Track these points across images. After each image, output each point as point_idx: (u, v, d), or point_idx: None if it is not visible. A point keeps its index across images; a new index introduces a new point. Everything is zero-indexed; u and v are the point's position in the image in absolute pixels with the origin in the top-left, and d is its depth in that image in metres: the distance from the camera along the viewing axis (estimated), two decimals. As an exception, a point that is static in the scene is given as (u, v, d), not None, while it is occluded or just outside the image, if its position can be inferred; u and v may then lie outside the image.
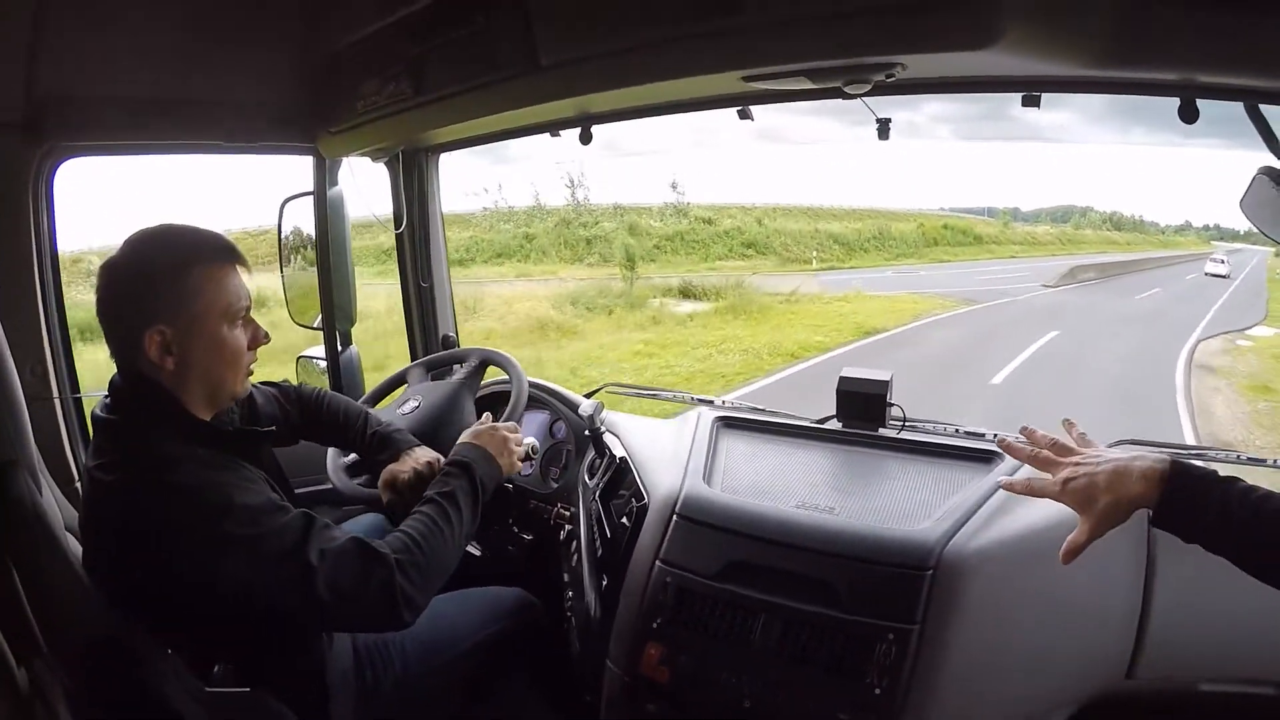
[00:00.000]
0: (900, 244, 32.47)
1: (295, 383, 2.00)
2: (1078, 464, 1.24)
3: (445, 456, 1.77)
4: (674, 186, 25.77)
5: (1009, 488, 1.35)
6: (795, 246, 27.95)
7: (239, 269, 1.50)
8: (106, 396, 1.49)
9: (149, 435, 1.41)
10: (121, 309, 1.43)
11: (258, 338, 1.54)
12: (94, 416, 1.50)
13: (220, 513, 1.35)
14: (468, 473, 1.65)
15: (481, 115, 2.05)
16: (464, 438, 1.76)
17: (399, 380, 2.46)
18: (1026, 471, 1.57)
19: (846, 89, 1.58)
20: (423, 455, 1.88)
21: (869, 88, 1.57)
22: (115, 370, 1.48)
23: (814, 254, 27.77)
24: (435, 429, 2.09)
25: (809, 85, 1.55)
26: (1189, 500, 1.15)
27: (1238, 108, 1.45)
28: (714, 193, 34.05)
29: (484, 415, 1.92)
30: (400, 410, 2.17)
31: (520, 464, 1.81)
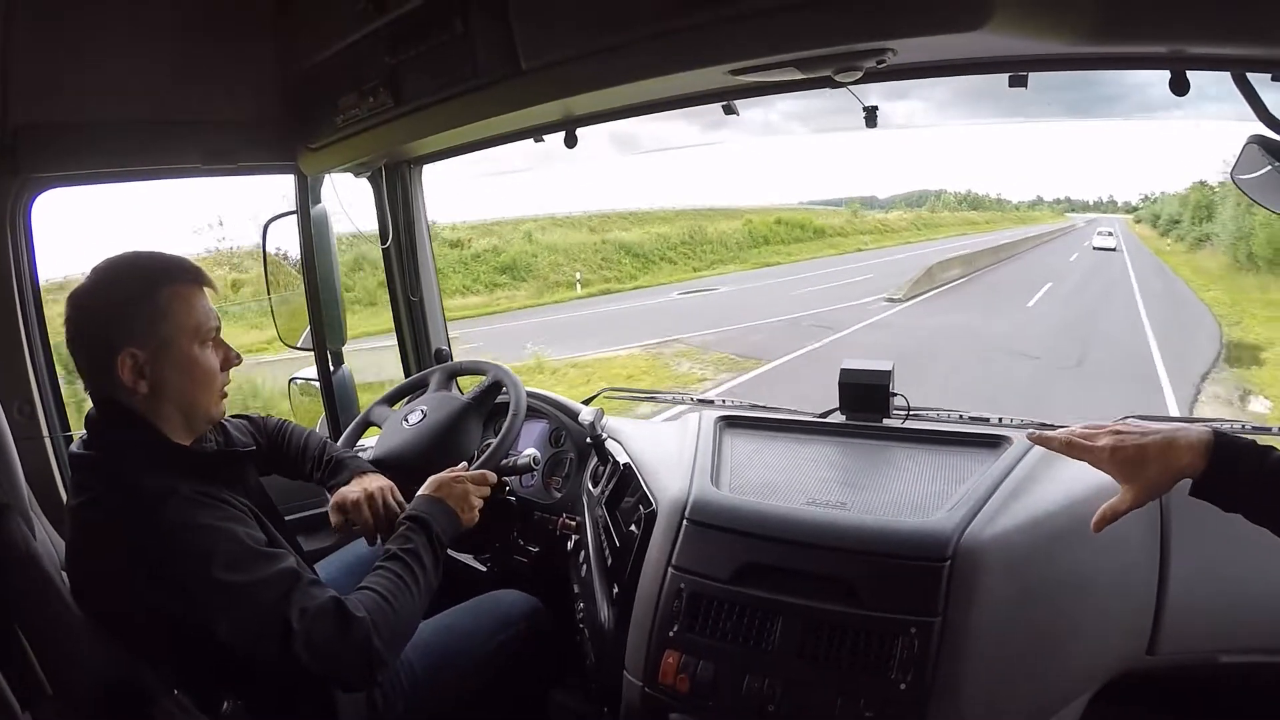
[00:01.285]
0: (719, 247, 30.27)
1: (290, 405, 1.99)
2: (1121, 433, 1.24)
3: (441, 472, 1.76)
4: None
5: (1043, 442, 1.34)
6: (568, 265, 24.22)
7: (206, 290, 1.52)
8: (83, 433, 1.48)
9: (129, 468, 1.40)
10: (91, 335, 1.43)
11: (229, 359, 1.55)
12: (71, 455, 1.49)
13: (207, 558, 1.33)
14: (426, 530, 1.62)
15: (464, 123, 2.02)
16: (426, 488, 1.72)
17: (420, 383, 2.43)
18: (1039, 452, 1.63)
19: (836, 77, 1.57)
20: (373, 481, 1.84)
21: (859, 75, 1.56)
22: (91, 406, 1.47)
23: (578, 275, 23.80)
24: (439, 443, 2.06)
25: (798, 75, 1.55)
26: (1232, 470, 1.16)
27: (1078, 78, 1.64)
28: (502, 207, 29.24)
29: (485, 442, 1.89)
30: (406, 420, 2.14)
31: (477, 515, 1.75)
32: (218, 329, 1.53)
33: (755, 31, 1.40)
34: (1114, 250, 35.79)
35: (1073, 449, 1.29)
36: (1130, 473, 1.22)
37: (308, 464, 1.94)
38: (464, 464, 1.87)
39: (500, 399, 2.43)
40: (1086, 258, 29.93)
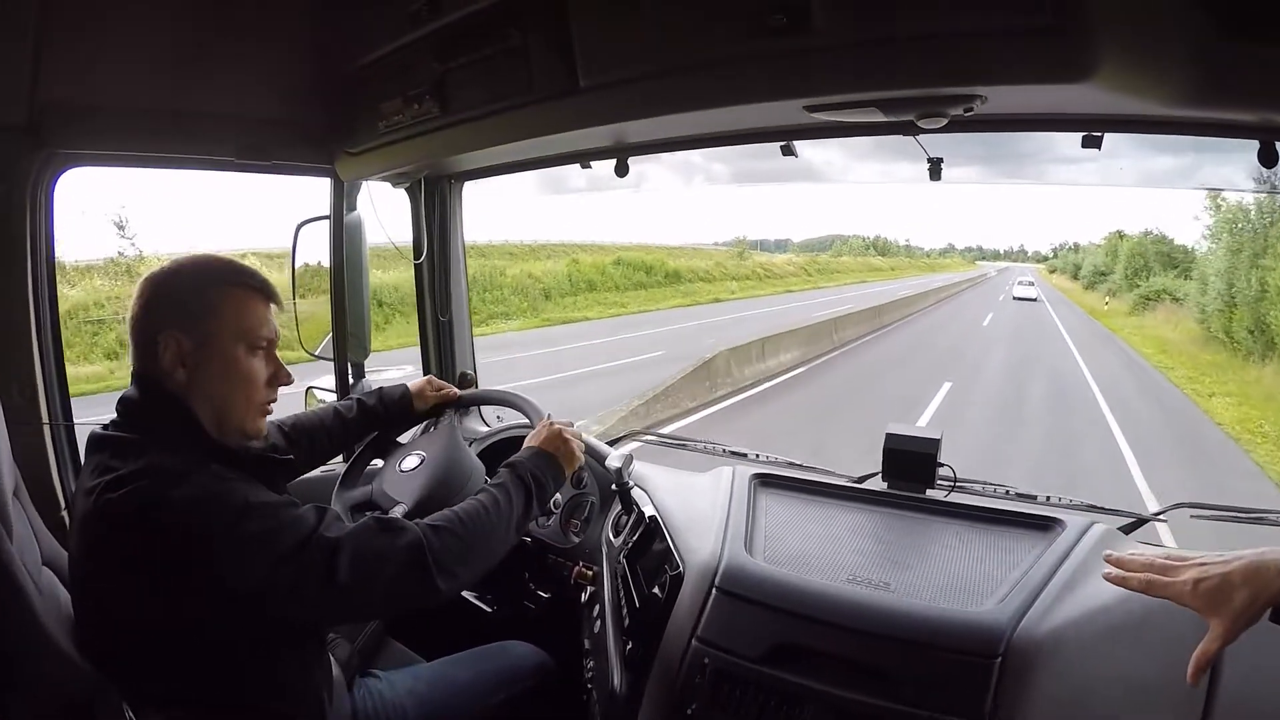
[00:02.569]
0: (510, 296, 24.56)
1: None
2: (1204, 564, 1.15)
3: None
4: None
5: (1120, 582, 1.22)
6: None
7: (269, 305, 1.49)
8: (114, 416, 1.42)
9: (157, 447, 1.33)
10: (146, 312, 1.42)
11: (279, 376, 1.50)
12: (94, 435, 1.41)
13: (238, 513, 1.28)
14: (518, 472, 1.63)
15: (511, 139, 1.92)
16: (530, 441, 1.74)
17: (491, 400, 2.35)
18: (1093, 538, 1.56)
19: (920, 123, 1.46)
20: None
21: (944, 122, 1.45)
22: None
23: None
24: (440, 493, 1.89)
25: (879, 118, 1.43)
26: None
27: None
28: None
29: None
30: (402, 467, 1.97)
31: (578, 455, 1.76)
32: (271, 342, 1.49)
33: (839, 66, 1.31)
34: (1035, 300, 35.75)
35: (1152, 588, 1.20)
36: (1215, 605, 1.13)
37: (350, 425, 2.01)
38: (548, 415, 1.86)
39: (519, 433, 2.32)
40: (1004, 320, 26.55)
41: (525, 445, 1.72)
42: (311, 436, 1.95)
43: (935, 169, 1.76)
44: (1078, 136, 1.59)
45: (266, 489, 1.39)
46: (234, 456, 1.43)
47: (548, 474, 1.66)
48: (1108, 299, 31.64)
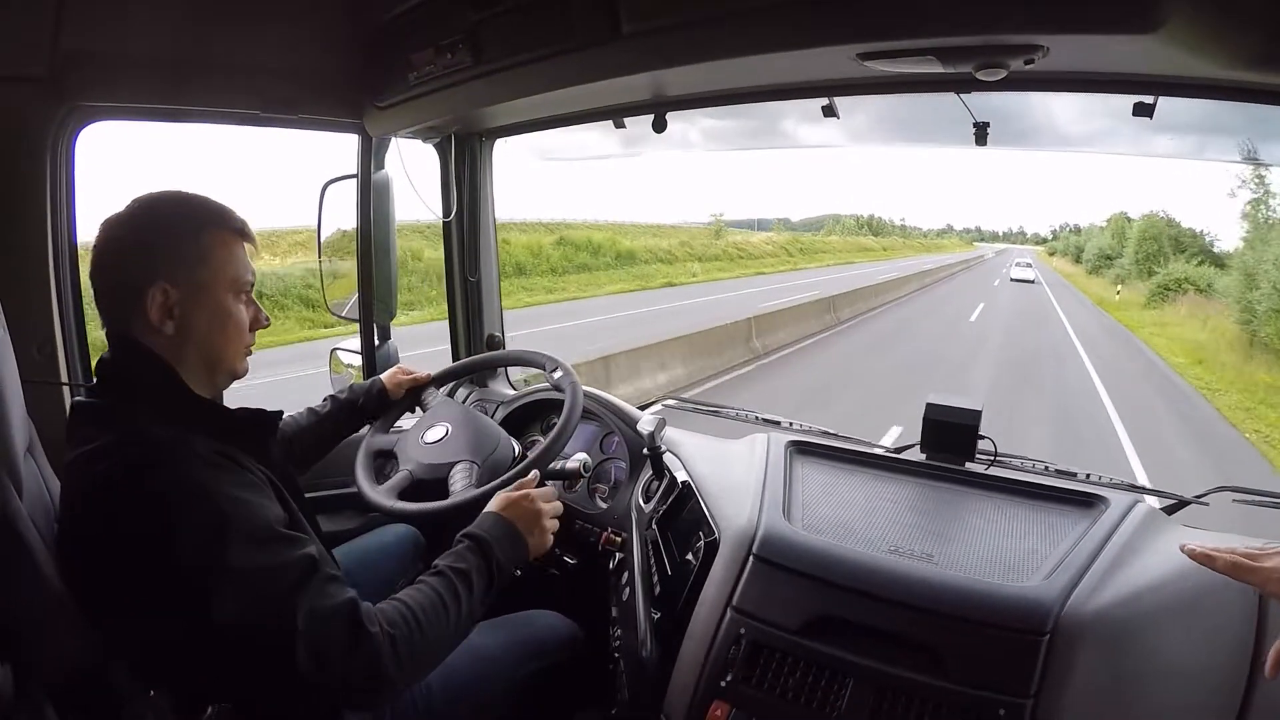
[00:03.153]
0: (422, 285, 19.44)
1: (330, 377, 1.92)
2: None
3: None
4: None
5: (1207, 561, 1.18)
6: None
7: (246, 246, 1.45)
8: (91, 381, 1.37)
9: (144, 416, 1.27)
10: (124, 264, 1.34)
11: (259, 319, 1.48)
12: (76, 403, 1.36)
13: (219, 531, 1.20)
14: (485, 553, 1.48)
15: (547, 89, 1.85)
16: (493, 505, 1.58)
17: (471, 368, 2.42)
18: (1137, 517, 1.53)
19: (978, 75, 1.40)
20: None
21: (1003, 75, 1.39)
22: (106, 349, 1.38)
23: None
24: (475, 455, 1.90)
25: (936, 68, 1.37)
26: None
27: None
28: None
29: (531, 439, 1.76)
30: (425, 439, 1.96)
31: (550, 539, 1.59)
32: (252, 285, 1.45)
33: (898, 8, 1.25)
34: (1033, 282, 34.89)
35: (1238, 570, 1.15)
36: None
37: (335, 418, 2.01)
38: (534, 473, 1.69)
39: (546, 395, 2.29)
40: (998, 313, 22.02)
41: (494, 514, 1.56)
42: (290, 442, 1.92)
43: (981, 133, 1.71)
44: (1127, 105, 1.54)
45: (256, 474, 1.34)
46: (221, 419, 1.39)
47: (510, 566, 1.51)
48: (1119, 288, 29.61)
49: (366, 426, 2.09)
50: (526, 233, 28.54)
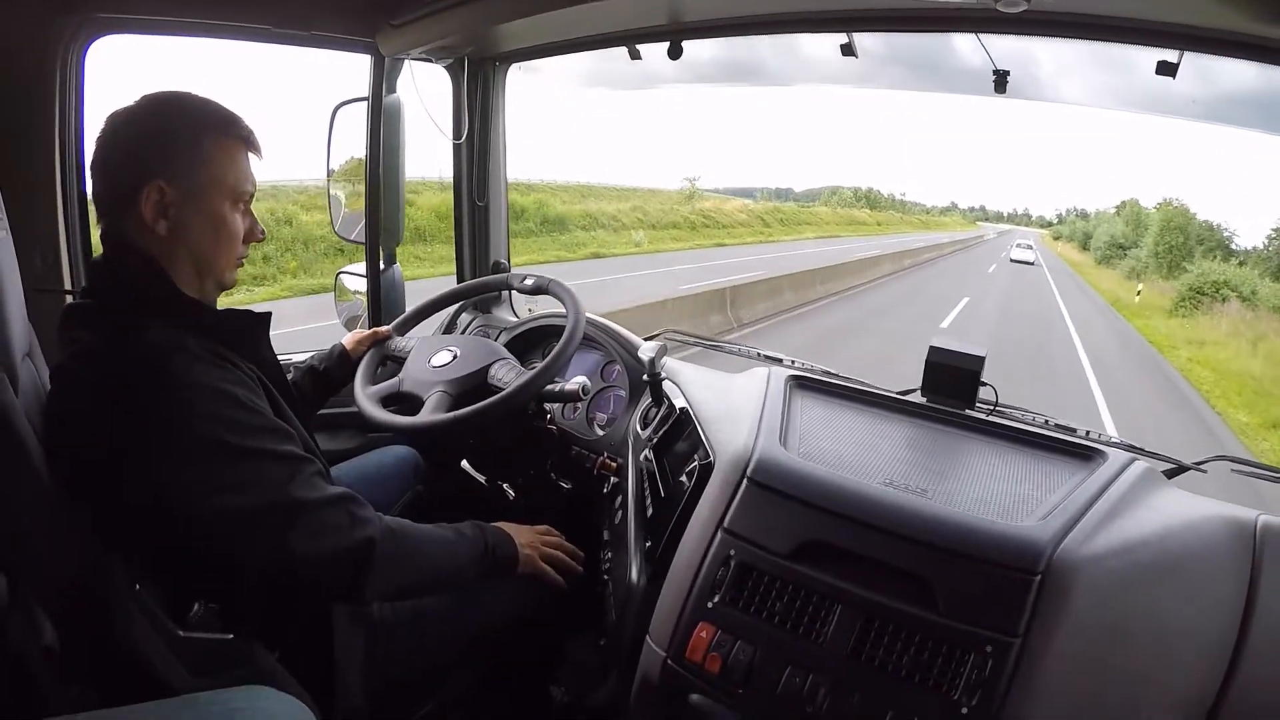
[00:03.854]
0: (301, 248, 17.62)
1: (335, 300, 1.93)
2: None
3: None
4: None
5: None
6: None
7: (251, 155, 1.45)
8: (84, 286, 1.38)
9: (133, 318, 1.27)
10: (124, 158, 1.34)
11: (254, 232, 1.48)
12: (68, 306, 1.37)
13: (210, 420, 1.22)
14: (480, 527, 1.64)
15: (562, 5, 1.82)
16: (501, 525, 1.71)
17: (477, 289, 2.44)
18: (1135, 473, 1.50)
19: (1000, 6, 1.39)
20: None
21: (1024, 7, 1.39)
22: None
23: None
24: (479, 380, 1.94)
25: None
26: None
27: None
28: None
29: (533, 364, 1.79)
30: (434, 362, 2.00)
31: (537, 560, 1.73)
32: (252, 195, 1.44)
33: None
34: (1033, 264, 33.44)
35: None
36: None
37: (300, 385, 2.00)
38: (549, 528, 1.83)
39: (550, 322, 2.30)
40: (988, 307, 18.64)
41: (497, 525, 1.70)
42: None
43: (1001, 81, 1.71)
44: (1150, 63, 1.53)
45: (247, 371, 1.36)
46: (212, 317, 1.39)
47: (500, 553, 1.64)
48: (1139, 287, 25.31)
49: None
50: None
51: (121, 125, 1.34)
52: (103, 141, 1.34)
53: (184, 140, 1.34)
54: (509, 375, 1.90)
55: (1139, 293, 24.82)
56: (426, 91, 2.55)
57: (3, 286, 1.19)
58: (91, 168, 1.36)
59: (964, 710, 1.19)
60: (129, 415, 1.21)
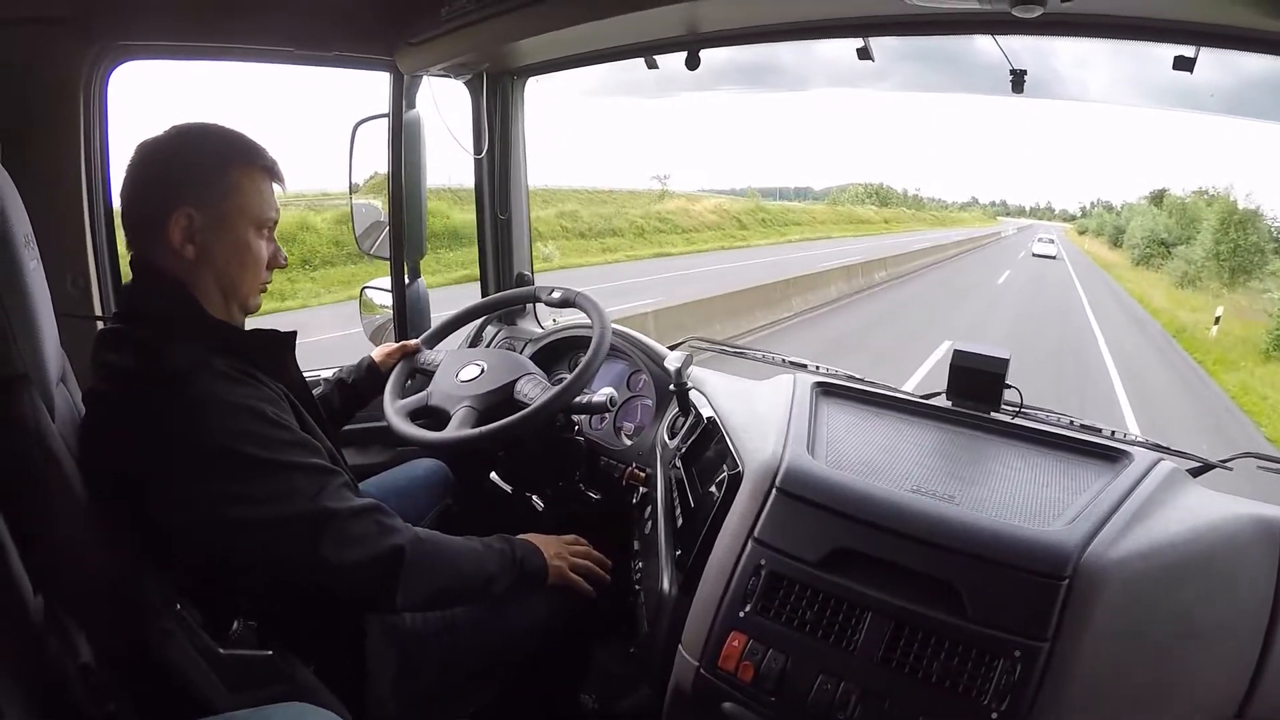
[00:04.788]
0: None
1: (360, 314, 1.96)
2: None
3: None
4: None
5: None
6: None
7: (275, 184, 1.49)
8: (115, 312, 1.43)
9: (164, 342, 1.31)
10: (153, 186, 1.39)
11: (277, 258, 1.52)
12: (100, 332, 1.41)
13: (237, 436, 1.26)
14: (508, 540, 1.66)
15: (578, 22, 1.84)
16: (528, 537, 1.72)
17: (501, 303, 2.48)
18: (1161, 474, 1.49)
19: (1015, 11, 1.38)
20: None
21: (1040, 12, 1.38)
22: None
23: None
24: (505, 396, 1.96)
25: (974, 4, 1.36)
26: None
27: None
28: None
29: (558, 376, 1.82)
30: (462, 377, 2.02)
31: (565, 570, 1.74)
32: (275, 223, 1.49)
33: None
34: (1054, 258, 30.68)
35: None
36: None
37: (331, 399, 2.03)
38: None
39: (576, 333, 2.32)
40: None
41: (524, 538, 1.71)
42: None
43: (1019, 80, 1.71)
44: (1167, 58, 1.53)
45: (274, 389, 1.39)
46: (238, 338, 1.43)
47: (529, 566, 1.66)
48: (1217, 313, 17.14)
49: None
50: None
51: (150, 154, 1.38)
52: (132, 170, 1.38)
53: (211, 169, 1.38)
54: (534, 391, 1.92)
55: (1217, 321, 16.77)
56: (446, 106, 2.58)
57: (37, 315, 1.22)
58: (121, 195, 1.40)
59: (994, 715, 1.20)
60: (159, 433, 1.25)
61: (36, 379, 1.21)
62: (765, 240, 37.86)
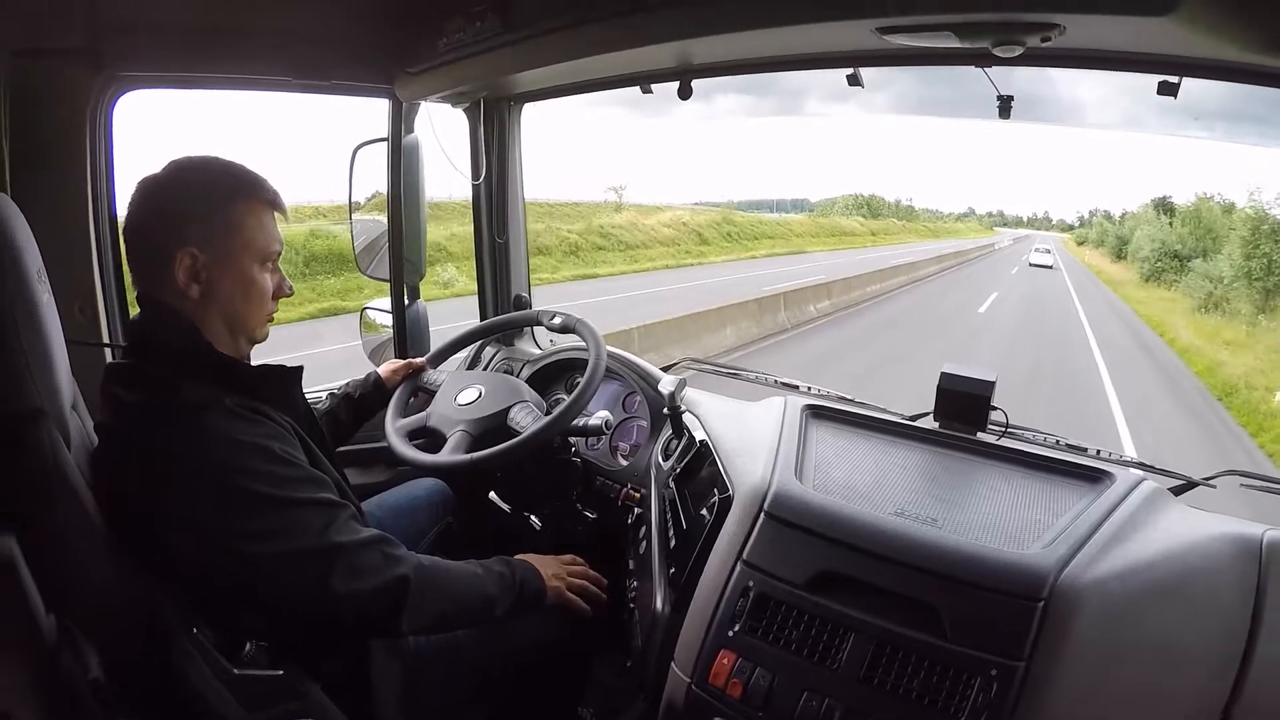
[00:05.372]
0: None
1: (361, 336, 2.00)
2: None
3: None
4: None
5: None
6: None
7: (277, 215, 1.52)
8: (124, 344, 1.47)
9: (172, 377, 1.35)
10: (156, 226, 1.40)
11: (282, 289, 1.54)
12: (110, 365, 1.45)
13: (248, 475, 1.30)
14: (507, 562, 1.69)
15: (573, 57, 1.89)
16: (527, 558, 1.77)
17: (499, 327, 2.52)
18: (1142, 494, 1.52)
19: (995, 50, 1.41)
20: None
21: (1020, 52, 1.41)
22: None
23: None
24: (499, 422, 2.01)
25: (954, 44, 1.40)
26: None
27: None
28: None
29: (555, 397, 1.85)
30: (460, 400, 2.07)
31: (564, 589, 1.78)
32: (279, 254, 1.51)
33: None
34: (1051, 268, 29.12)
35: None
36: None
37: (337, 414, 2.08)
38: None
39: (571, 355, 2.37)
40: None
41: (521, 558, 1.75)
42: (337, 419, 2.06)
43: (1005, 106, 1.72)
44: (1152, 83, 1.54)
45: (281, 423, 1.43)
46: (245, 374, 1.47)
47: (528, 588, 1.69)
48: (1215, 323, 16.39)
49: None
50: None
51: (153, 194, 1.41)
52: (134, 210, 1.41)
53: (214, 209, 1.41)
54: (526, 419, 1.96)
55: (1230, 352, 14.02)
56: (443, 130, 2.63)
57: (50, 345, 1.26)
58: (125, 234, 1.43)
59: None
60: (171, 470, 1.29)
61: (51, 410, 1.25)
62: (727, 256, 34.53)
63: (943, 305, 20.50)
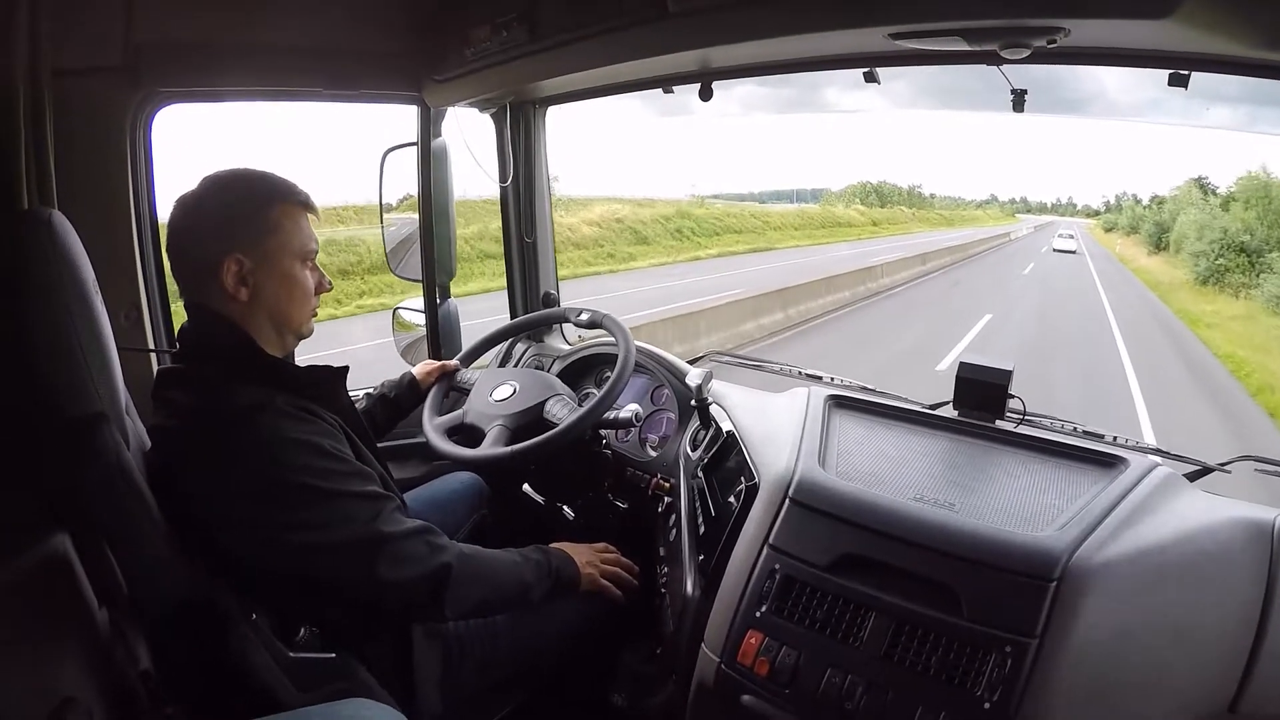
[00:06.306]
0: None
1: (393, 335, 2.06)
2: None
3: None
4: None
5: None
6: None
7: (310, 217, 1.59)
8: (175, 348, 1.54)
9: (224, 381, 1.43)
10: (200, 240, 1.47)
11: (322, 284, 1.61)
12: (162, 371, 1.53)
13: (299, 470, 1.38)
14: (543, 551, 1.78)
15: (598, 65, 1.97)
16: (561, 546, 1.85)
17: (529, 324, 2.61)
18: (1155, 479, 1.54)
19: (1003, 53, 1.47)
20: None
21: (1027, 53, 1.46)
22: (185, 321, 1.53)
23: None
24: (535, 415, 2.08)
25: (962, 46, 1.44)
26: None
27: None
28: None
29: (585, 391, 1.91)
30: (495, 396, 2.15)
31: (598, 577, 1.87)
32: (315, 252, 1.58)
33: None
34: (1074, 252, 28.34)
35: None
36: None
37: (371, 412, 2.14)
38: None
39: (601, 350, 2.43)
40: None
41: (556, 547, 1.84)
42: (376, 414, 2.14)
43: (1019, 100, 1.75)
44: (1163, 75, 1.56)
45: (329, 422, 1.50)
46: (295, 375, 1.54)
47: (563, 574, 1.78)
48: None
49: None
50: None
51: (193, 209, 1.49)
52: (176, 225, 1.50)
53: (252, 215, 1.49)
54: (562, 411, 2.03)
55: None
56: (471, 132, 2.70)
57: (106, 351, 1.34)
58: (169, 249, 1.51)
59: (986, 705, 1.30)
60: (226, 469, 1.38)
61: (113, 414, 1.33)
62: (661, 260, 29.04)
63: (894, 344, 13.66)
